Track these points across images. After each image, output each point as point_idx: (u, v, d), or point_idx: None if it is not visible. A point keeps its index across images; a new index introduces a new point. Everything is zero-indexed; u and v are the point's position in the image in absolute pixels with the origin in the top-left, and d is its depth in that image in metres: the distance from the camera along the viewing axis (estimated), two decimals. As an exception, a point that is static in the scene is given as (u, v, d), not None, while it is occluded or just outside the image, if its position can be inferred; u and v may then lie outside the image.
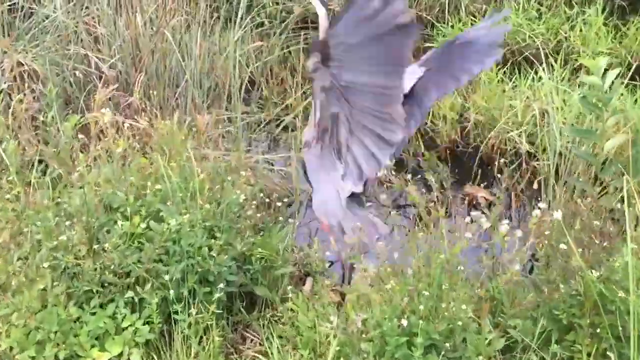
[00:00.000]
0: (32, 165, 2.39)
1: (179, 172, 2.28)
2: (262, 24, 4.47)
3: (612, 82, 2.54)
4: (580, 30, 4.35)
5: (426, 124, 3.76)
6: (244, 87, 3.65)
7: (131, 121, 2.56)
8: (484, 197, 3.30)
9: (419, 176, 3.51)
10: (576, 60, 4.14)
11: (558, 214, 1.86)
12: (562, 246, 1.92)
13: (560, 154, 3.07)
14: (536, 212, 1.95)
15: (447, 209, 2.91)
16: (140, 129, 2.57)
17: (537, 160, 3.37)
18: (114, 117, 2.45)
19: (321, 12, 2.40)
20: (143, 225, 2.00)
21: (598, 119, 2.72)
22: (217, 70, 3.56)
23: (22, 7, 3.32)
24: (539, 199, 2.99)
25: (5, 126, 2.42)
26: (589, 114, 2.91)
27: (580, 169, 3.01)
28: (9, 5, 3.29)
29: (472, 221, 1.91)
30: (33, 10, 3.34)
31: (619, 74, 2.65)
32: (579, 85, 3.67)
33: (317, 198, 2.39)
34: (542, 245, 2.07)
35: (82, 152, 2.38)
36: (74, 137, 2.47)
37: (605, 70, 2.53)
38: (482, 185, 3.29)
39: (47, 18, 3.30)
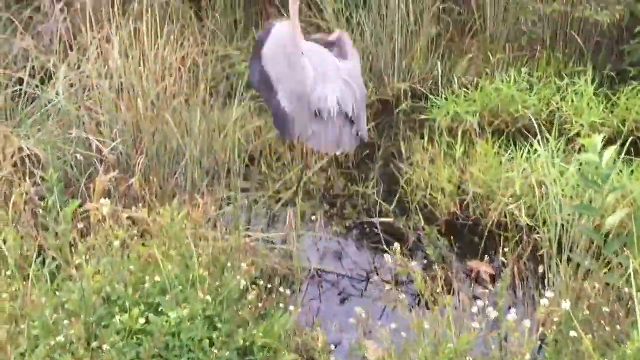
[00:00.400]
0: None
1: (179, 260, 2.26)
2: (259, 97, 4.56)
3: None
4: (572, 101, 4.44)
5: (424, 196, 3.77)
6: (243, 164, 3.69)
7: (130, 212, 2.56)
8: (487, 272, 3.29)
9: (420, 251, 3.52)
10: (570, 130, 4.22)
11: (566, 305, 1.83)
12: (572, 333, 1.88)
13: (562, 226, 3.06)
14: (544, 301, 1.92)
15: (450, 286, 2.88)
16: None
17: (539, 233, 3.36)
18: (113, 208, 2.44)
19: None
20: (142, 321, 1.96)
21: (597, 193, 2.73)
22: (217, 149, 3.60)
23: (26, 92, 3.38)
24: (543, 275, 2.95)
25: (5, 215, 2.41)
26: (588, 189, 2.93)
27: (582, 243, 2.99)
28: (13, 91, 3.35)
29: (478, 312, 1.88)
30: (36, 96, 3.41)
31: (615, 150, 2.70)
32: (578, 151, 3.72)
33: None
34: (551, 330, 2.03)
35: (81, 240, 2.37)
36: (73, 225, 2.46)
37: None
38: (484, 259, 3.27)
39: (49, 103, 3.35)
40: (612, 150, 2.55)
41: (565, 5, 4.80)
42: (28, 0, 3.94)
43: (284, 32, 3.18)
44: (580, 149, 3.84)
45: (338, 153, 3.57)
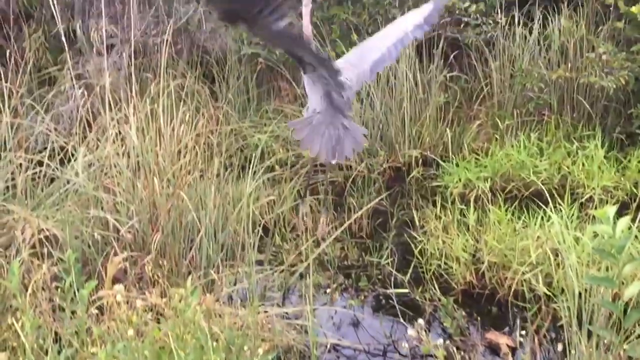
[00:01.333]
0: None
1: (194, 343, 2.25)
2: (272, 169, 4.63)
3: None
4: (583, 165, 4.47)
5: (439, 266, 3.75)
6: (257, 237, 3.71)
7: (144, 297, 2.58)
8: (507, 344, 3.22)
9: (437, 322, 3.47)
10: (582, 194, 4.22)
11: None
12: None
13: (580, 295, 3.01)
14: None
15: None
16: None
17: (557, 302, 3.30)
18: (127, 295, 2.46)
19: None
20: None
21: (614, 264, 2.71)
22: (231, 223, 3.64)
23: (45, 173, 3.48)
24: (564, 348, 2.89)
25: (22, 301, 2.43)
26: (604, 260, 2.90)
27: (603, 311, 2.94)
28: (33, 173, 3.45)
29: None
30: (55, 176, 3.50)
31: (629, 218, 2.69)
32: (592, 217, 3.70)
33: None
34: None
35: (96, 325, 2.38)
36: (89, 308, 2.48)
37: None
38: (503, 330, 3.21)
39: (68, 182, 3.44)
40: (625, 220, 2.54)
41: (570, 72, 4.90)
42: (50, 85, 4.13)
43: None
44: (594, 215, 3.83)
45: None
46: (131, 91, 3.35)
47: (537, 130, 4.95)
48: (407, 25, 3.82)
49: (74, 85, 3.84)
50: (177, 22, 5.37)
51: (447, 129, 5.05)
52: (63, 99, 4.09)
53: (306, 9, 3.46)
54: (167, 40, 3.88)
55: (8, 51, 4.03)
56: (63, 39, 3.78)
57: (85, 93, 3.65)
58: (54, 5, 3.69)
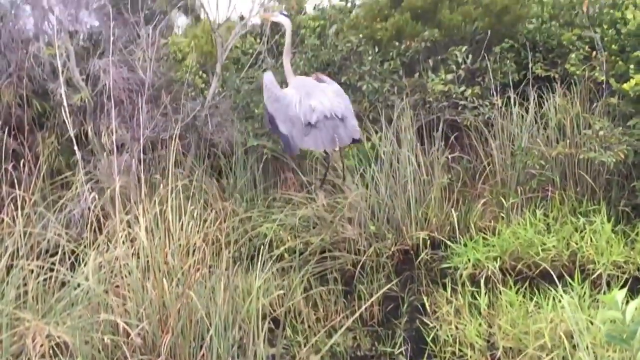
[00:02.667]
0: None
1: None
2: (281, 257, 4.65)
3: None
4: (591, 240, 4.46)
5: (454, 353, 3.69)
6: (267, 330, 3.68)
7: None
8: None
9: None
10: (593, 270, 4.19)
11: None
12: None
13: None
14: None
15: None
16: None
17: (577, 388, 3.21)
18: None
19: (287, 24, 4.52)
20: None
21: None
22: (242, 318, 3.62)
23: (56, 278, 3.52)
24: None
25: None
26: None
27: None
28: (44, 279, 3.50)
29: None
30: (66, 280, 3.54)
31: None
32: (604, 293, 3.66)
33: None
34: None
35: None
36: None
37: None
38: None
39: (78, 286, 3.48)
40: (634, 304, 2.52)
41: (569, 148, 4.99)
42: (63, 189, 4.27)
43: (269, 80, 4.45)
44: (605, 292, 3.79)
45: (336, 148, 4.41)
46: (140, 193, 3.45)
47: (542, 206, 4.97)
48: None
49: (85, 188, 3.96)
50: (185, 119, 5.58)
51: (453, 209, 5.09)
52: (74, 201, 4.20)
53: (286, 58, 4.50)
54: (175, 136, 4.02)
55: (22, 158, 4.19)
56: (74, 142, 3.93)
57: (97, 196, 3.75)
58: (65, 110, 3.87)
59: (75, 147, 3.83)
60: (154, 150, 5.52)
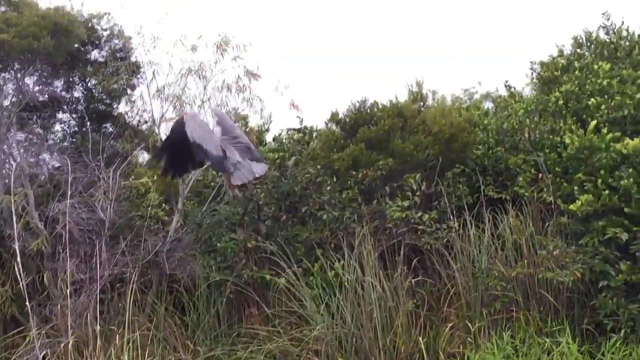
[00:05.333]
0: None
1: None
2: None
3: None
4: (560, 361, 4.44)
5: None
6: None
7: None
8: None
9: None
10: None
11: None
12: None
13: None
14: None
15: None
16: None
17: None
18: None
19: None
20: None
21: None
22: None
23: None
24: None
25: None
26: None
27: None
28: None
29: None
30: None
31: None
32: None
33: None
34: None
35: None
36: None
37: None
38: None
39: None
40: None
41: (527, 268, 5.09)
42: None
43: (195, 114, 4.39)
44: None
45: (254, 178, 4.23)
46: (96, 346, 3.32)
47: (508, 327, 4.97)
48: None
49: (36, 344, 3.79)
50: (146, 256, 5.52)
51: (420, 336, 5.03)
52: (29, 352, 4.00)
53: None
54: (135, 274, 3.96)
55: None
56: (26, 293, 3.82)
57: (49, 352, 3.59)
58: (17, 262, 3.80)
59: (27, 298, 3.71)
60: (112, 290, 5.39)
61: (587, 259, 4.85)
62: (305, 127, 7.22)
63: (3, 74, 5.68)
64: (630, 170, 4.80)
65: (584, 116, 5.54)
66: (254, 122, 7.63)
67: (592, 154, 5.07)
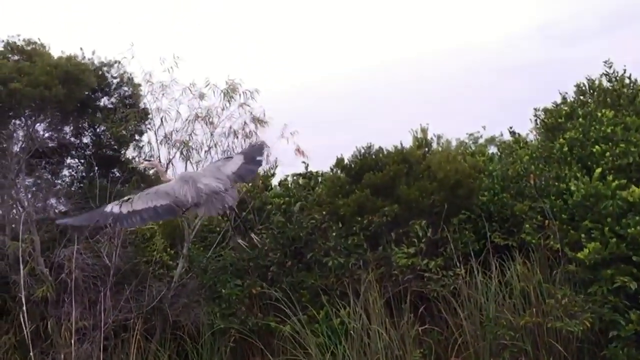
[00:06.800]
0: None
1: None
2: None
3: None
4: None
5: None
6: None
7: None
8: None
9: None
10: None
11: None
12: None
13: None
14: None
15: None
16: None
17: None
18: None
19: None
20: None
21: None
22: None
23: None
24: None
25: None
26: None
27: None
28: None
29: None
30: None
31: None
32: None
33: None
34: None
35: None
36: None
37: None
38: None
39: None
40: None
41: (536, 316, 5.00)
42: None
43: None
44: None
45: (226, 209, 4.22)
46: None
47: (519, 379, 4.86)
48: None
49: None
50: (150, 302, 5.48)
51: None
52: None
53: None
54: (139, 321, 3.92)
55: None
56: (30, 341, 3.78)
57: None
58: (23, 311, 3.76)
59: (30, 346, 3.68)
60: (116, 337, 5.34)
61: (597, 308, 4.78)
62: (311, 173, 7.27)
63: (14, 121, 5.77)
64: (637, 218, 4.78)
65: (589, 163, 5.55)
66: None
67: (598, 201, 5.05)
